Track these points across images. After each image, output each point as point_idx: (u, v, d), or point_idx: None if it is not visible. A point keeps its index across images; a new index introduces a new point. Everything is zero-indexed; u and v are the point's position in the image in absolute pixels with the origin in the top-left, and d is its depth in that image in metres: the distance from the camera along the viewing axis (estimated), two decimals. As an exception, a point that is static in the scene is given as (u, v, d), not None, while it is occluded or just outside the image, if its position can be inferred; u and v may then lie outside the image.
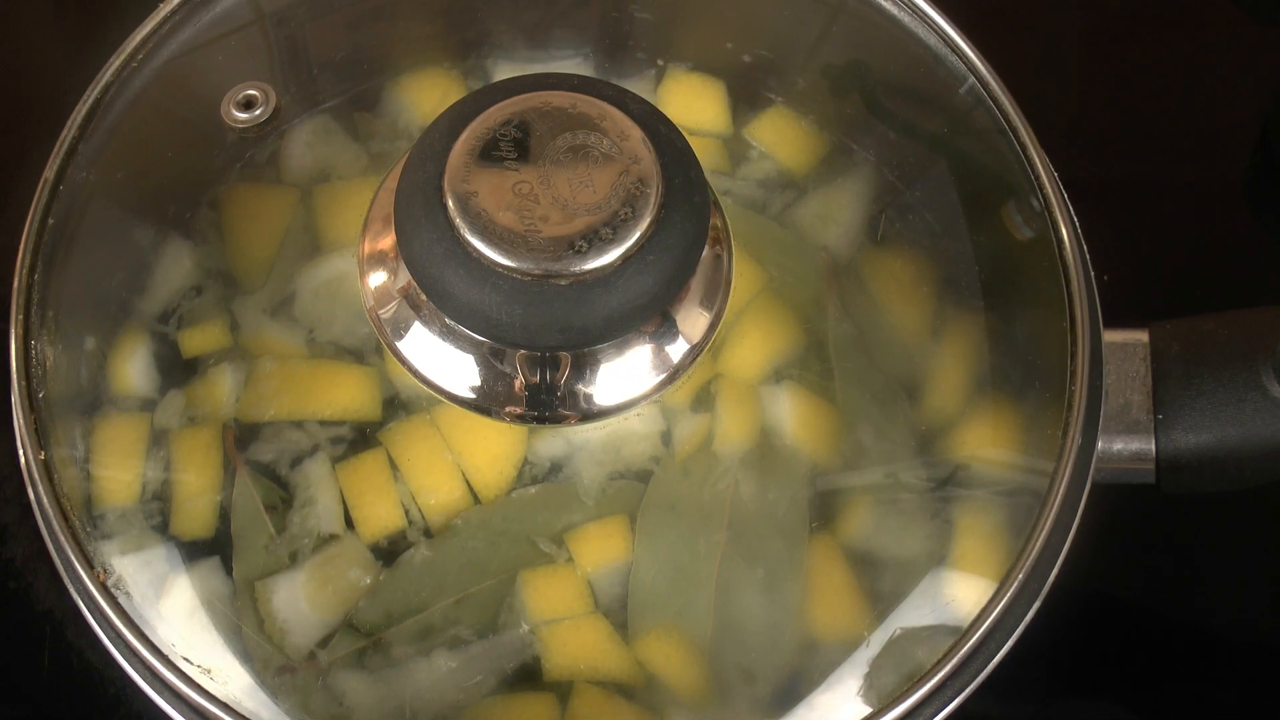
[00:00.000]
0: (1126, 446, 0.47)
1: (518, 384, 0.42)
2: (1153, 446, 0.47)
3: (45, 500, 0.44)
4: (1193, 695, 0.54)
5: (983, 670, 0.44)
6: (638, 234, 0.39)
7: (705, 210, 0.41)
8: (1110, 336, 0.47)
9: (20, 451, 0.45)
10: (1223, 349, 0.47)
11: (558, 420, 0.43)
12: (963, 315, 0.46)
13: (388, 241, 0.42)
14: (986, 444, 0.45)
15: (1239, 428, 0.47)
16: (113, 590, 0.43)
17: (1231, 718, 0.54)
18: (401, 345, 0.43)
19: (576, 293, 0.39)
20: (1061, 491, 0.44)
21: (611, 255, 0.39)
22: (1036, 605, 0.44)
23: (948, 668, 0.42)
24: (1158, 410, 0.47)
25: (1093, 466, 0.45)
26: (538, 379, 0.42)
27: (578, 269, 0.39)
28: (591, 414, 0.43)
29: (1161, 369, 0.47)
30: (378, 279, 0.43)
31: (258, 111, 0.48)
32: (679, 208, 0.40)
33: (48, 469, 0.44)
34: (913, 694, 0.42)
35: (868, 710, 0.42)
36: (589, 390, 0.43)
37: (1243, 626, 0.55)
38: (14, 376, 0.45)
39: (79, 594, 0.44)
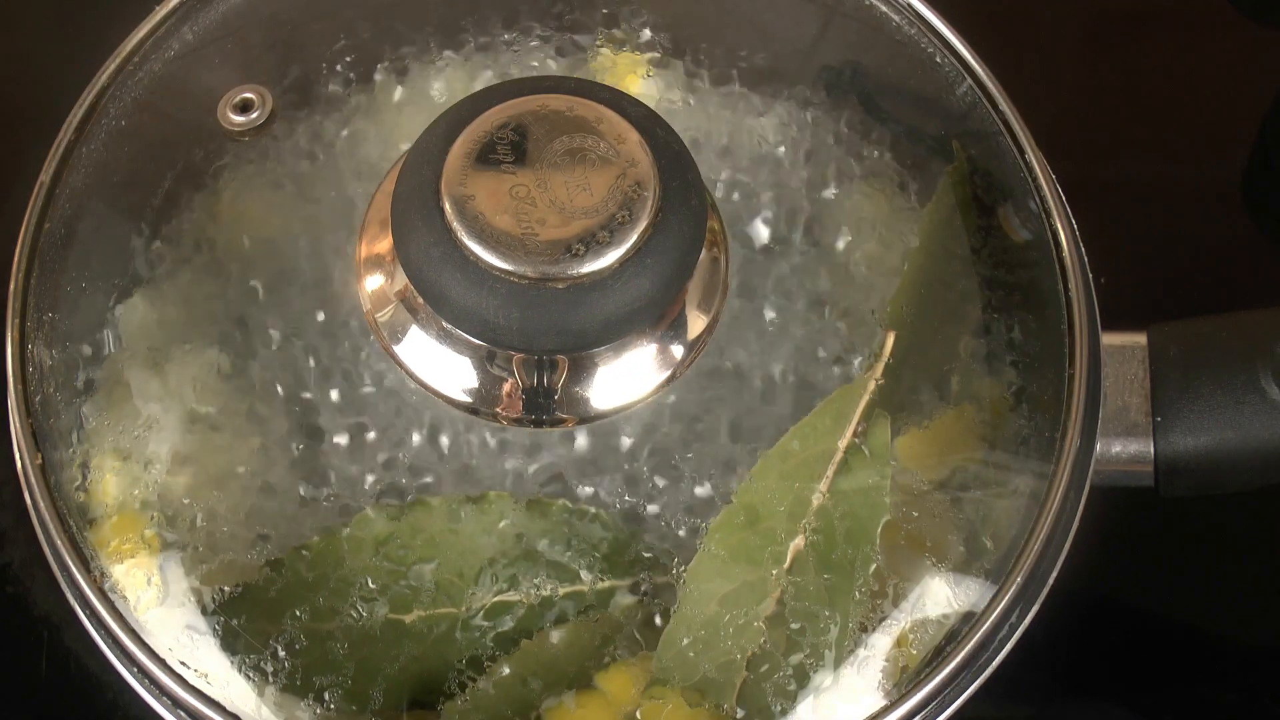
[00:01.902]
0: (1125, 449, 0.47)
1: (515, 387, 0.42)
2: (1151, 449, 0.47)
3: (42, 504, 0.44)
4: (1192, 696, 0.54)
5: (983, 672, 0.44)
6: (635, 237, 0.39)
7: (703, 213, 0.41)
8: (1108, 339, 0.47)
9: (17, 456, 0.45)
10: (1221, 351, 0.47)
11: (555, 423, 0.43)
12: (961, 318, 0.46)
13: (384, 245, 0.42)
14: (985, 446, 0.45)
15: (1237, 430, 0.47)
16: (110, 595, 0.43)
17: (1231, 718, 0.54)
18: (399, 349, 0.43)
19: (574, 296, 0.39)
20: (1060, 494, 0.44)
21: (609, 258, 0.39)
22: (1036, 607, 0.44)
23: (948, 670, 0.43)
24: (1156, 413, 0.47)
25: (1091, 469, 0.45)
26: (535, 382, 0.42)
27: (575, 272, 0.39)
28: (589, 416, 0.43)
29: (1160, 371, 0.47)
30: (374, 282, 0.43)
31: (254, 115, 0.48)
32: (676, 211, 0.40)
33: (45, 473, 0.44)
34: (913, 696, 0.42)
35: (868, 712, 0.42)
36: (587, 393, 0.42)
37: (1242, 627, 0.55)
38: (10, 380, 0.45)
39: (76, 599, 0.44)
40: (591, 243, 0.39)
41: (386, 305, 0.43)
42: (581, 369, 0.42)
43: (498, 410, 0.42)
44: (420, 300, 0.41)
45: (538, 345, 0.40)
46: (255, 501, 0.44)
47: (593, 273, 0.39)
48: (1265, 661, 0.55)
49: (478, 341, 0.41)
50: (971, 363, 0.45)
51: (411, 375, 0.43)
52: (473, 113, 0.41)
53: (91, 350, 0.46)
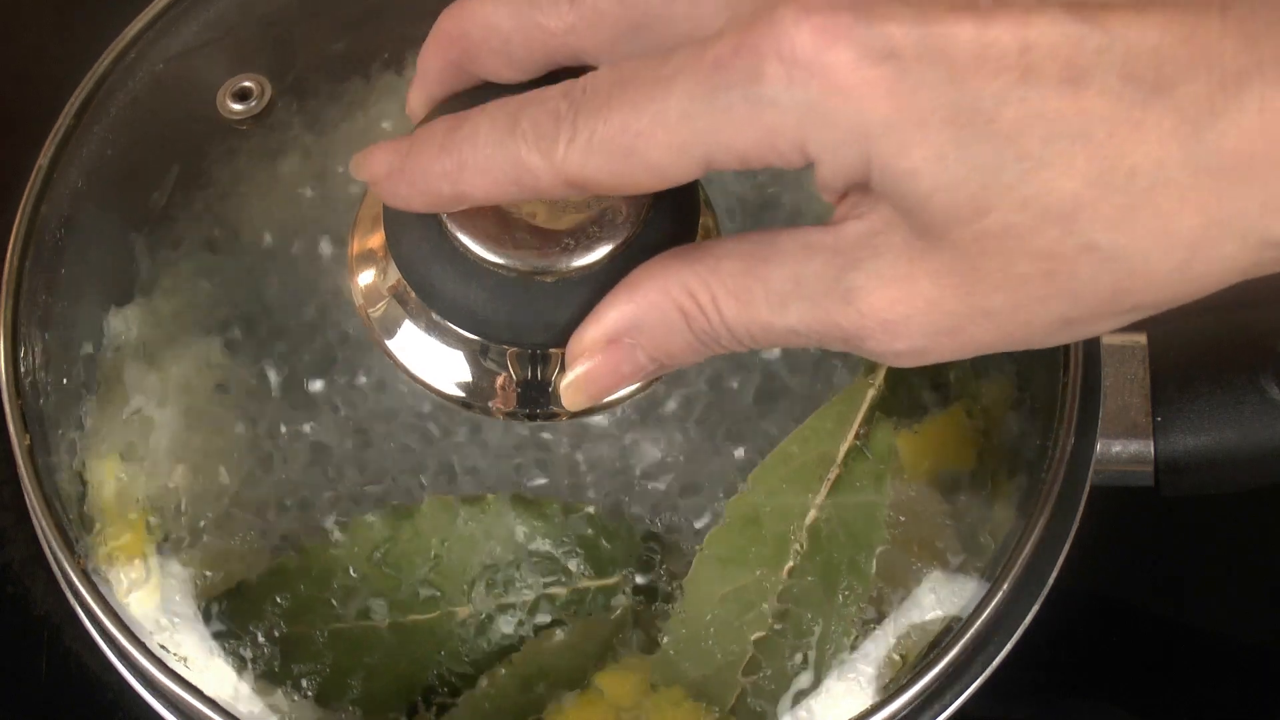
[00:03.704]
0: (1125, 449, 0.47)
1: (508, 381, 0.42)
2: (1151, 449, 0.47)
3: (42, 504, 0.44)
4: (1192, 695, 0.54)
5: (983, 672, 0.44)
6: (626, 231, 0.39)
7: (695, 208, 0.41)
8: (1108, 339, 0.47)
9: (17, 456, 0.45)
10: (1221, 351, 0.47)
11: (548, 417, 0.42)
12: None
13: (377, 240, 0.42)
14: (984, 446, 0.45)
15: (1237, 430, 0.47)
16: (110, 595, 0.43)
17: (1231, 718, 0.54)
18: (392, 343, 0.42)
19: (563, 290, 0.39)
20: (1059, 493, 0.44)
21: (599, 252, 0.39)
22: (1036, 607, 0.44)
23: (948, 670, 0.42)
24: (1156, 412, 0.47)
25: (1091, 468, 0.45)
26: (528, 376, 0.42)
27: (565, 266, 0.39)
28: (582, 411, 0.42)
29: (1160, 371, 0.47)
30: (367, 277, 0.43)
31: (252, 103, 0.48)
32: (668, 205, 0.39)
33: (44, 473, 0.44)
34: (913, 696, 0.42)
35: (868, 712, 0.42)
36: None
37: (1242, 627, 0.55)
38: (4, 378, 0.45)
39: (76, 599, 0.44)
40: (582, 236, 0.39)
41: (379, 300, 0.43)
42: None
43: (490, 404, 0.42)
44: (412, 294, 0.41)
45: (527, 339, 0.40)
46: (255, 502, 0.44)
47: (582, 267, 0.39)
48: (1265, 661, 0.55)
49: (469, 335, 0.41)
50: (971, 363, 0.45)
51: (404, 369, 0.42)
52: (467, 106, 0.41)
53: (91, 349, 0.46)
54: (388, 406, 0.45)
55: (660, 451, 0.45)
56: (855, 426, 0.44)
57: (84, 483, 0.44)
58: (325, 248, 0.47)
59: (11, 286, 0.46)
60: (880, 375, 0.45)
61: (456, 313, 0.40)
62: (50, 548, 0.44)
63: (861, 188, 0.34)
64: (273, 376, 0.46)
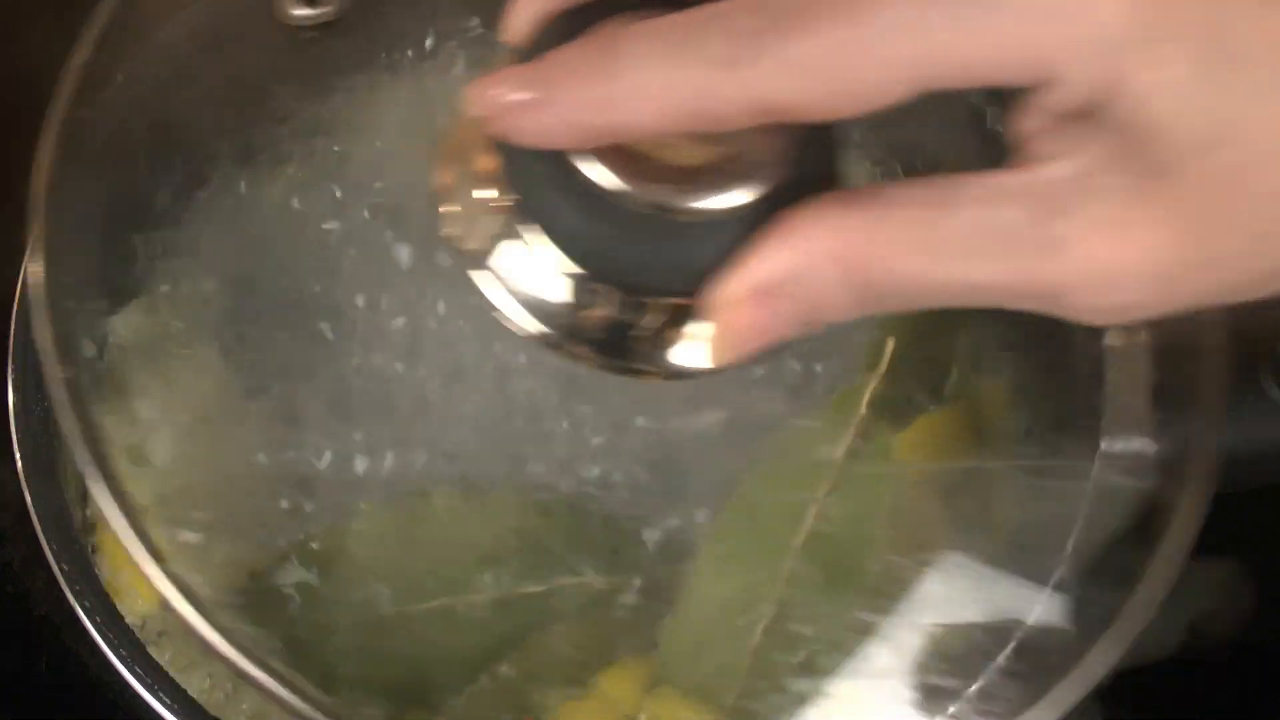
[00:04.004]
0: (1125, 449, 0.47)
1: (604, 325, 0.37)
2: (1151, 449, 0.47)
3: (42, 504, 0.44)
4: (1192, 695, 0.54)
5: (983, 672, 0.44)
6: (772, 171, 0.34)
7: (840, 149, 0.36)
8: (1108, 339, 0.47)
9: (17, 455, 0.45)
10: (1221, 351, 0.47)
11: (636, 373, 0.37)
12: (961, 317, 0.46)
13: (481, 158, 0.37)
14: (984, 447, 0.45)
15: (1238, 430, 0.47)
16: (110, 595, 0.43)
17: (1231, 718, 0.54)
18: (481, 273, 0.37)
19: (696, 232, 0.34)
20: (1059, 493, 0.44)
21: (740, 194, 0.34)
22: (1036, 607, 0.44)
23: (946, 669, 0.43)
24: (1156, 413, 0.47)
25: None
26: (628, 322, 0.37)
27: (700, 206, 0.34)
28: (675, 373, 0.37)
29: (1160, 371, 0.47)
30: (462, 197, 0.37)
31: (320, 9, 0.43)
32: (816, 144, 0.34)
33: (43, 473, 0.44)
34: (911, 696, 0.42)
35: (866, 712, 0.42)
36: (681, 345, 0.37)
37: (1242, 627, 0.55)
38: (10, 377, 0.45)
39: (76, 599, 0.44)
40: (721, 174, 0.34)
41: (471, 223, 0.37)
42: (683, 317, 0.36)
43: (577, 350, 0.37)
44: (514, 221, 0.36)
45: (645, 283, 0.35)
46: (257, 500, 0.44)
47: (721, 209, 0.34)
48: (1265, 661, 0.55)
49: (573, 272, 0.36)
50: (972, 363, 0.46)
51: (491, 303, 0.37)
52: (595, 17, 0.34)
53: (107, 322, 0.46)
54: (398, 396, 0.45)
55: (663, 450, 0.45)
56: (854, 426, 0.44)
57: (84, 483, 0.44)
58: (408, 168, 0.44)
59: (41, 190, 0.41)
60: (879, 374, 0.45)
61: (570, 244, 0.35)
62: (50, 547, 0.44)
63: (1074, 118, 0.31)
64: (285, 357, 0.46)
